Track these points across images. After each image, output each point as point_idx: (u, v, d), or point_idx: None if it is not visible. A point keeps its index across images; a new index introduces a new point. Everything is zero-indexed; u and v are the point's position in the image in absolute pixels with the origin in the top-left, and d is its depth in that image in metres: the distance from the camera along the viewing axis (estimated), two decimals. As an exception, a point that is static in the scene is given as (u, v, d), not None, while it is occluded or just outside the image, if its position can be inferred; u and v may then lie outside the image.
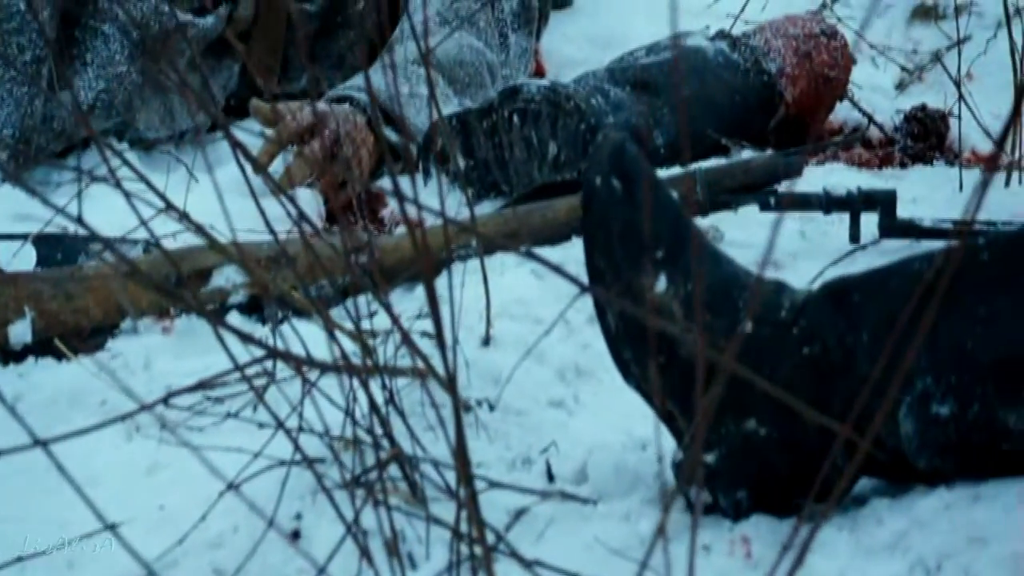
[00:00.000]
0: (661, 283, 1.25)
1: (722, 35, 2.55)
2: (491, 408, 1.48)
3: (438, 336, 0.98)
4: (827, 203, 1.86)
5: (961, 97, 2.23)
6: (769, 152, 2.01)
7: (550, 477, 1.36)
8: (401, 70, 2.46)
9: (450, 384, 0.99)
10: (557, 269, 1.17)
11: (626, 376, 1.28)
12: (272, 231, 1.22)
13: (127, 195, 1.01)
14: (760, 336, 1.24)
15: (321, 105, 2.21)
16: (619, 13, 3.29)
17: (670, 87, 2.38)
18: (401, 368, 1.37)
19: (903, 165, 2.45)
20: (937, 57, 3.12)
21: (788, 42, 2.55)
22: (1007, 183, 2.02)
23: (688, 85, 2.39)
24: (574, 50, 3.12)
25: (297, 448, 1.08)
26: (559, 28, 3.38)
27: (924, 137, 2.58)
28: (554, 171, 2.00)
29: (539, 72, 3.06)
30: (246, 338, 1.07)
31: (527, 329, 1.60)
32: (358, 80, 2.43)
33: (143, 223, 1.30)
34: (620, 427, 1.46)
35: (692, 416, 1.26)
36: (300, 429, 1.12)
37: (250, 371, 1.23)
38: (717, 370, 1.15)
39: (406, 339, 1.40)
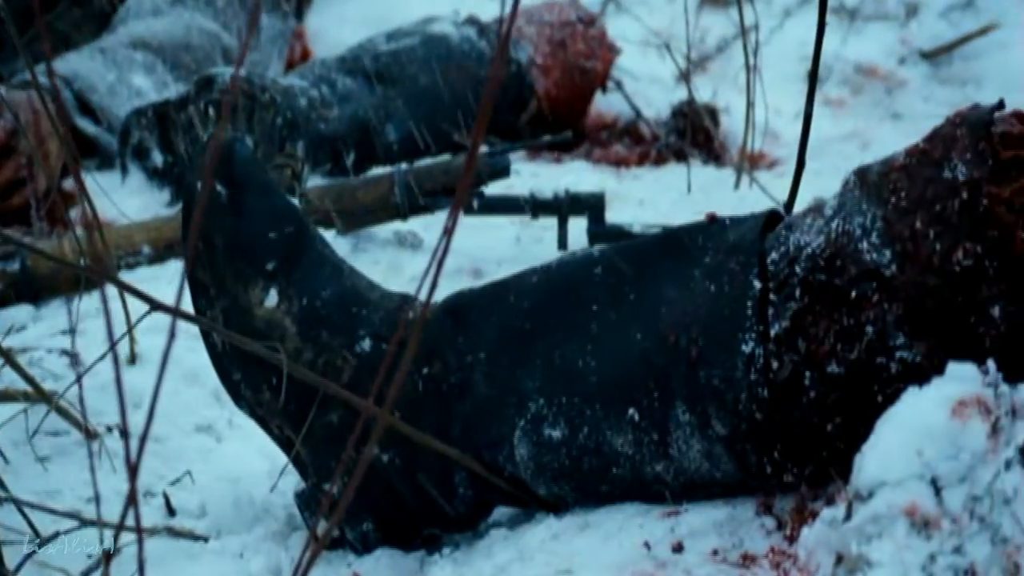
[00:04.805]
0: (271, 298, 1.27)
1: (471, 21, 2.59)
2: (123, 434, 1.48)
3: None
4: (533, 206, 1.90)
5: (690, 92, 2.30)
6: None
7: (170, 511, 1.37)
8: (112, 54, 2.44)
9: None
10: (122, 285, 1.18)
11: (237, 400, 1.30)
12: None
13: None
14: (381, 355, 1.26)
15: (1, 91, 2.18)
16: (400, -8, 3.30)
17: (406, 77, 2.40)
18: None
19: (658, 162, 2.52)
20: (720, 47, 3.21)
21: (541, 30, 2.60)
22: (736, 185, 2.09)
23: (426, 75, 2.42)
24: (349, 32, 3.12)
25: None
26: (332, 8, 3.38)
27: (692, 133, 2.65)
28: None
29: (305, 56, 3.06)
30: None
31: (183, 345, 1.61)
32: (60, 64, 2.40)
33: None
34: (270, 454, 1.47)
35: (311, 442, 1.28)
36: None
37: None
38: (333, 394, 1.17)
39: (7, 360, 1.39)
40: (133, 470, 0.72)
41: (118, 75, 2.40)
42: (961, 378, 0.88)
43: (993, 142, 1.03)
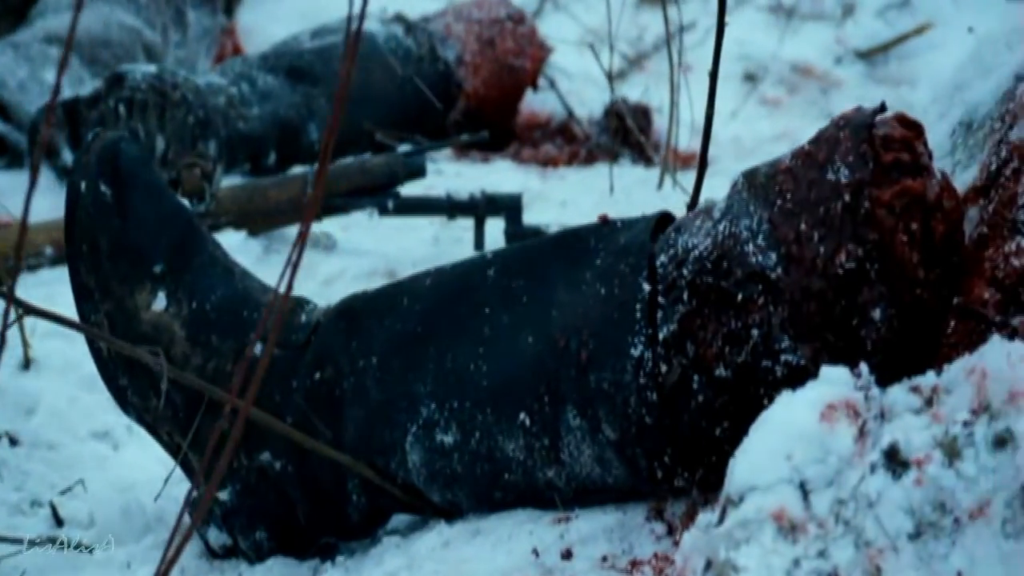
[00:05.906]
0: (159, 301, 1.26)
1: (398, 19, 2.60)
2: (12, 442, 1.48)
3: None
4: (450, 207, 1.91)
5: (612, 91, 2.31)
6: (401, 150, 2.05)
7: (58, 521, 1.37)
8: (25, 49, 2.43)
9: None
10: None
11: (124, 406, 1.29)
12: None
13: None
14: (272, 359, 1.26)
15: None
16: (335, -12, 3.30)
17: (329, 75, 2.41)
18: None
19: (588, 162, 2.54)
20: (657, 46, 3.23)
21: (470, 27, 2.61)
22: (660, 185, 2.11)
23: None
24: (282, 28, 3.13)
25: None
26: (265, 4, 3.38)
27: (624, 133, 2.67)
28: (162, 167, 2.01)
29: (237, 53, 3.06)
30: None
31: (83, 350, 1.60)
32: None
33: None
34: (169, 461, 1.47)
35: (201, 449, 1.28)
36: None
37: None
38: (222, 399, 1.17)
39: None
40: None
41: (30, 71, 2.39)
42: (833, 381, 0.89)
43: (875, 145, 1.05)
